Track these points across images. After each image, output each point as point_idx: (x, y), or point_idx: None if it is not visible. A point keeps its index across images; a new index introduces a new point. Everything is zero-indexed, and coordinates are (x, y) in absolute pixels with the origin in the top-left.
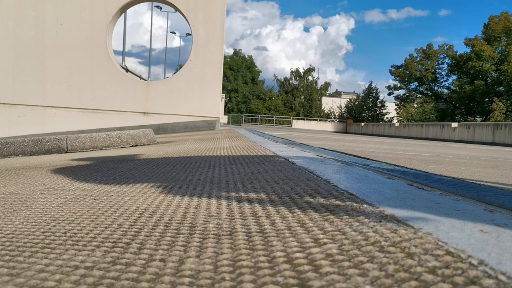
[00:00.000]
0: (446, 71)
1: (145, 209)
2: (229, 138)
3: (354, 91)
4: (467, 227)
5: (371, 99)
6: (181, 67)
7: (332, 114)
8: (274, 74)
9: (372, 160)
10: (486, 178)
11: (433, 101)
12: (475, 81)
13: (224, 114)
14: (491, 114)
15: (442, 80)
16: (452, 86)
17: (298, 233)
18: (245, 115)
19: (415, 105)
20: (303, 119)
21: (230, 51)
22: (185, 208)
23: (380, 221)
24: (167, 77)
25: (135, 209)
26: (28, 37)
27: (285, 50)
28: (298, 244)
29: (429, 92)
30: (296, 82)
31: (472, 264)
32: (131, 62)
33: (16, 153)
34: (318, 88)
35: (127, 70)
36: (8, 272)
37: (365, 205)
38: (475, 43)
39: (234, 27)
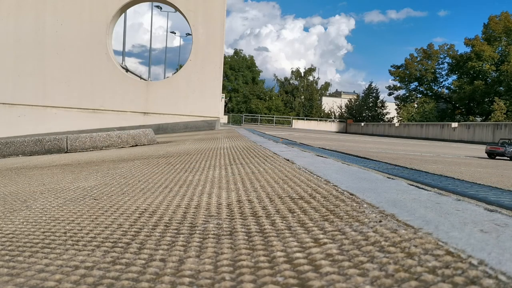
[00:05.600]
0: (446, 71)
1: (145, 209)
2: (229, 138)
3: (354, 91)
4: (467, 227)
5: (371, 99)
6: (181, 67)
7: (333, 114)
8: (274, 74)
9: (372, 160)
10: (486, 178)
11: (433, 101)
12: (474, 81)
13: (224, 114)
14: (492, 114)
15: (442, 80)
16: (452, 86)
17: (298, 233)
18: (245, 115)
19: (415, 105)
20: (303, 119)
21: (231, 52)
22: (185, 208)
23: (380, 221)
24: (167, 77)
25: (135, 209)
26: (28, 37)
27: (285, 50)
28: (298, 244)
29: (429, 92)
30: (296, 82)
31: (472, 264)
32: (131, 62)
33: (16, 153)
34: (319, 88)
35: (127, 70)
36: (8, 272)
37: (365, 205)
38: (475, 43)
39: (234, 27)
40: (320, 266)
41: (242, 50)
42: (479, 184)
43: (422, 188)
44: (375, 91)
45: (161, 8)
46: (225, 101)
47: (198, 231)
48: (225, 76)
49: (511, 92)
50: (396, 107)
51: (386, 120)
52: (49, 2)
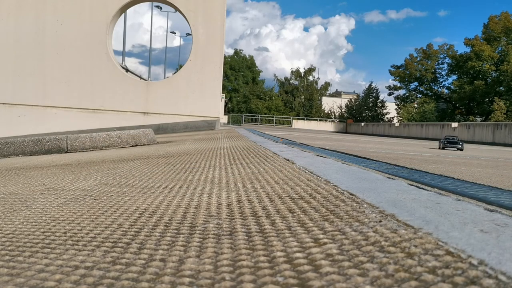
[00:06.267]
0: (446, 71)
1: (145, 209)
2: (229, 138)
3: (354, 91)
4: (467, 227)
5: (371, 99)
6: (181, 67)
7: (333, 114)
8: (274, 74)
9: (372, 160)
10: (486, 178)
11: (433, 101)
12: (474, 81)
13: (224, 114)
14: (492, 114)
15: (442, 80)
16: (452, 86)
17: (298, 233)
18: (245, 115)
19: (415, 105)
20: (303, 119)
21: (231, 52)
22: (185, 208)
23: (380, 221)
24: (167, 77)
25: (135, 209)
26: (28, 37)
27: (285, 50)
28: (298, 244)
29: (429, 92)
30: (296, 82)
31: (472, 264)
32: (131, 62)
33: (16, 153)
34: (318, 88)
35: (127, 70)
36: (8, 272)
37: (365, 205)
38: (475, 43)
39: (234, 27)
40: (320, 266)
41: (242, 50)
42: (479, 184)
43: (422, 188)
44: (375, 91)
45: (161, 8)
46: (225, 101)
47: (198, 231)
48: (225, 76)
49: (511, 92)
50: (396, 107)
51: (386, 120)
52: (49, 2)
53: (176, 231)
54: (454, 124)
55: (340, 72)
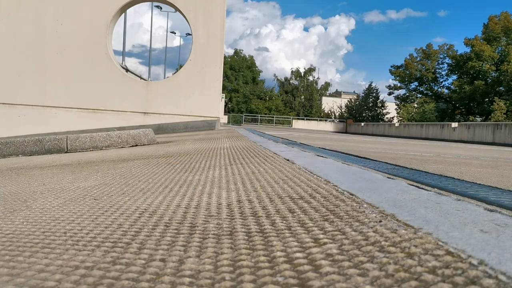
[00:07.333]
0: (446, 71)
1: (145, 209)
2: (229, 138)
3: (354, 91)
4: (467, 227)
5: (371, 99)
6: (181, 67)
7: (333, 114)
8: (274, 74)
9: (372, 160)
10: (487, 178)
11: (433, 101)
12: (475, 81)
13: (224, 114)
14: (492, 114)
15: (442, 80)
16: (452, 86)
17: (298, 233)
18: (245, 115)
19: (416, 105)
20: (303, 119)
21: (231, 52)
22: (185, 208)
23: (380, 221)
24: (167, 77)
25: (135, 209)
26: (28, 37)
27: (285, 50)
28: (298, 244)
29: (429, 92)
30: (296, 82)
31: (472, 264)
32: (131, 62)
33: (16, 153)
34: (319, 88)
35: (127, 70)
36: (8, 272)
37: (365, 205)
38: (474, 43)
39: (234, 27)
40: (320, 266)
41: (242, 50)
42: (479, 184)
43: (422, 188)
44: (375, 91)
45: (161, 8)
46: (225, 101)
47: (198, 231)
48: (225, 76)
49: (511, 92)
50: (396, 107)
51: (386, 120)
52: (49, 2)
53: (176, 231)
54: (454, 124)
55: (340, 72)
